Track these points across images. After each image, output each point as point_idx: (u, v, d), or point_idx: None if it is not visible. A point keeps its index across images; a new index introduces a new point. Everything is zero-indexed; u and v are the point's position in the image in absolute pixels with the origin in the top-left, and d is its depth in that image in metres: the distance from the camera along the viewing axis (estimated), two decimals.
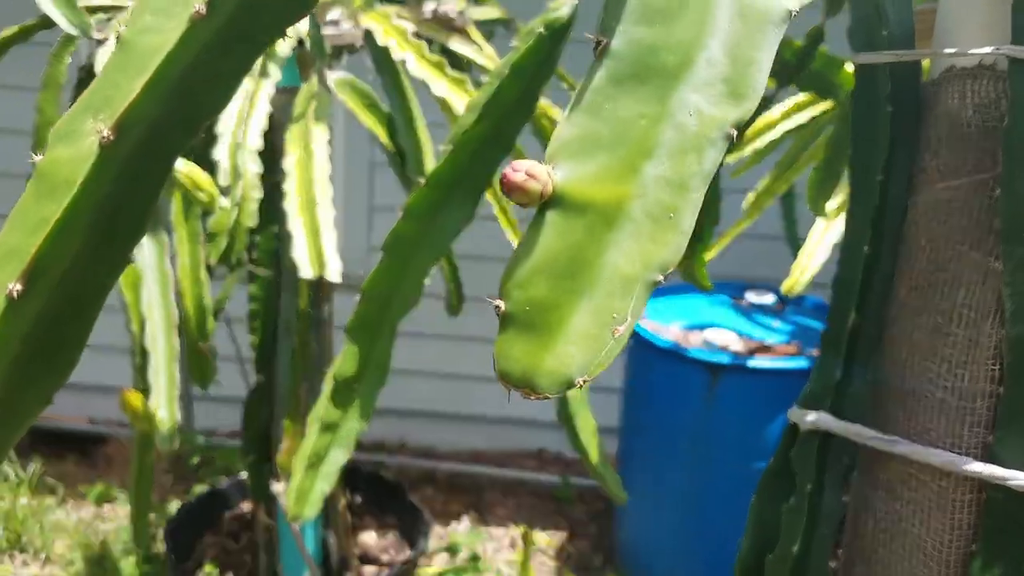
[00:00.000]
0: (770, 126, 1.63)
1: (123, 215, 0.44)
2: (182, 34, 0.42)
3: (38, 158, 0.43)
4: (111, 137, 0.41)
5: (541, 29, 0.88)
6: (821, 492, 0.68)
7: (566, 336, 0.30)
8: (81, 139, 0.42)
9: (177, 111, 0.44)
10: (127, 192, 0.43)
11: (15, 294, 0.40)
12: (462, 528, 2.40)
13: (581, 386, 0.30)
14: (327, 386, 0.96)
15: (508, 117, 0.94)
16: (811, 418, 0.69)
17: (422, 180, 0.97)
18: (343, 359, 0.96)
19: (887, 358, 0.71)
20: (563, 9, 0.86)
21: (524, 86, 0.92)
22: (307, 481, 0.92)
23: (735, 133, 0.31)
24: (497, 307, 0.31)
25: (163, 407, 1.30)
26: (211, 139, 1.35)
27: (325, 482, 0.91)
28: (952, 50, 0.67)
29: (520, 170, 0.30)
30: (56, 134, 0.43)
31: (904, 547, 0.67)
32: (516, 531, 2.40)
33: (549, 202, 0.31)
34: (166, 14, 0.43)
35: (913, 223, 0.72)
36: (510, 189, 0.30)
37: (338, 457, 0.92)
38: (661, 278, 0.31)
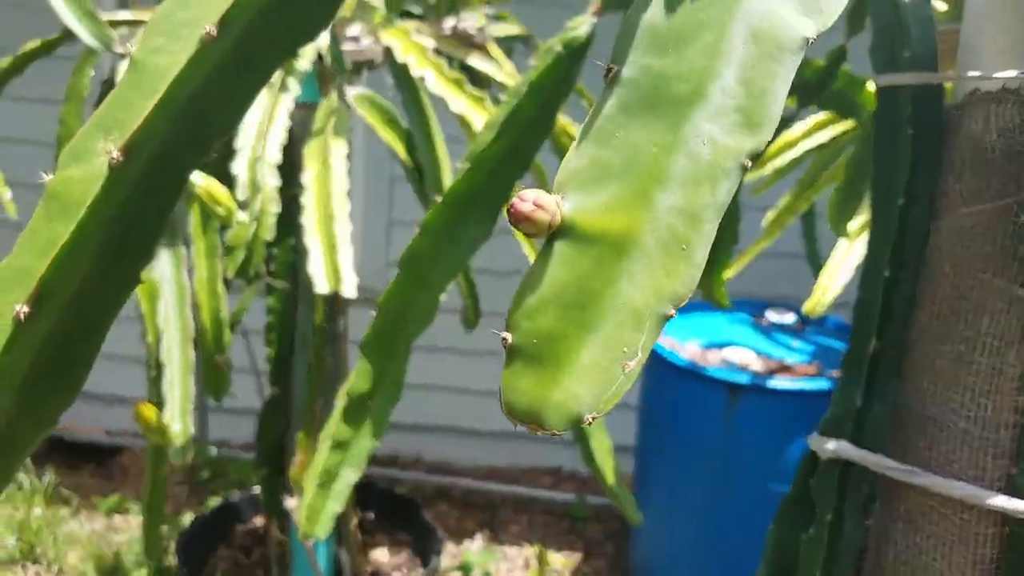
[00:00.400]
0: (791, 145, 1.61)
1: (133, 235, 0.44)
2: (192, 55, 0.41)
3: (48, 178, 0.43)
4: (120, 159, 0.40)
5: (559, 48, 0.87)
6: (841, 522, 0.67)
7: (575, 369, 0.29)
8: (91, 159, 0.42)
9: (188, 131, 0.44)
10: (137, 212, 0.43)
11: (22, 316, 0.40)
12: (475, 547, 2.39)
13: (590, 423, 0.29)
14: (340, 403, 0.95)
15: (526, 135, 0.94)
16: (831, 447, 0.68)
17: (439, 197, 0.97)
18: (356, 376, 0.96)
19: (909, 383, 0.70)
20: (582, 28, 0.86)
21: (542, 104, 0.91)
22: (318, 500, 0.91)
23: (750, 163, 0.30)
24: (504, 339, 0.30)
25: (177, 420, 1.30)
26: (230, 153, 1.35)
27: (336, 502, 0.91)
28: (976, 73, 0.66)
29: (528, 200, 0.29)
30: (67, 154, 0.43)
31: None
32: (530, 550, 2.38)
33: (558, 232, 0.30)
34: (177, 35, 0.43)
35: (936, 248, 0.70)
36: (518, 219, 0.29)
37: (349, 476, 0.91)
38: (673, 312, 0.30)
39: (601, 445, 1.18)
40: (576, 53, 0.87)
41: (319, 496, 0.90)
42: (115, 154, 0.40)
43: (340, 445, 0.92)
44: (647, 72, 0.30)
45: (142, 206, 0.43)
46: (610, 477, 1.18)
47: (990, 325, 0.65)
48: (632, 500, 1.27)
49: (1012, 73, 0.64)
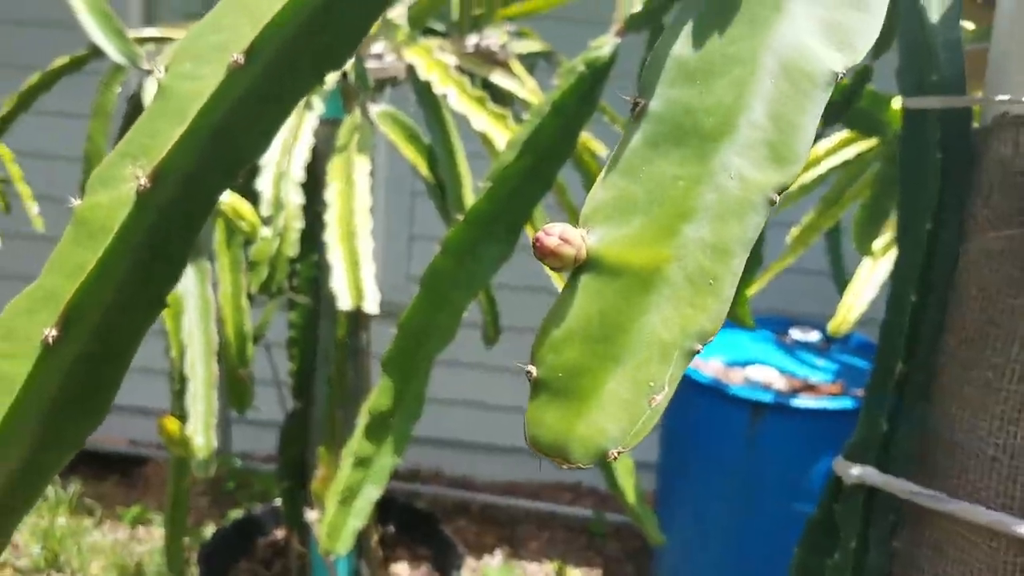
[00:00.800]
0: (816, 161, 1.60)
1: (160, 260, 0.44)
2: (220, 84, 0.42)
3: (76, 202, 0.43)
4: (148, 185, 0.41)
5: (582, 67, 0.87)
6: (866, 549, 0.66)
7: (600, 403, 0.29)
8: (119, 185, 0.42)
9: (215, 158, 0.44)
10: (164, 238, 0.43)
11: (51, 340, 0.40)
12: (495, 562, 2.38)
13: (615, 458, 0.29)
14: (362, 420, 0.96)
15: (548, 154, 0.94)
16: (856, 472, 0.67)
17: (460, 216, 0.97)
18: (378, 393, 0.96)
19: (937, 408, 0.69)
20: (605, 48, 0.86)
21: (565, 124, 0.91)
22: (340, 516, 0.91)
23: (777, 198, 0.30)
24: (529, 372, 0.30)
25: (200, 433, 1.31)
26: (254, 170, 1.37)
27: (357, 518, 0.91)
28: (1004, 97, 0.65)
29: (553, 234, 0.29)
30: (95, 179, 0.43)
31: None
32: (550, 566, 2.37)
33: (583, 266, 0.30)
34: (205, 60, 0.43)
35: (964, 271, 0.70)
36: (544, 254, 0.29)
37: (371, 493, 0.91)
38: (700, 348, 0.29)
39: (622, 464, 1.18)
40: (599, 73, 0.87)
41: (340, 512, 0.91)
42: (143, 180, 0.41)
43: (362, 462, 0.92)
44: (674, 105, 0.30)
45: (169, 231, 0.43)
46: (632, 497, 1.17)
47: (1019, 352, 0.64)
48: (654, 520, 1.26)
49: None
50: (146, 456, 2.68)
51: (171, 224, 0.43)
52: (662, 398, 0.29)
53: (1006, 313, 0.65)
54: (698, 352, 0.30)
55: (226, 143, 0.44)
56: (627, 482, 1.17)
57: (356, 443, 0.94)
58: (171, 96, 0.43)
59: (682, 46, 0.31)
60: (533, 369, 0.30)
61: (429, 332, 0.99)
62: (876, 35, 0.31)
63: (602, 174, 0.31)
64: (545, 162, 0.94)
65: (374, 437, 0.94)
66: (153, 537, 2.33)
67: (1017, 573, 0.61)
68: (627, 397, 0.29)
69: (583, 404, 0.29)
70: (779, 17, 0.31)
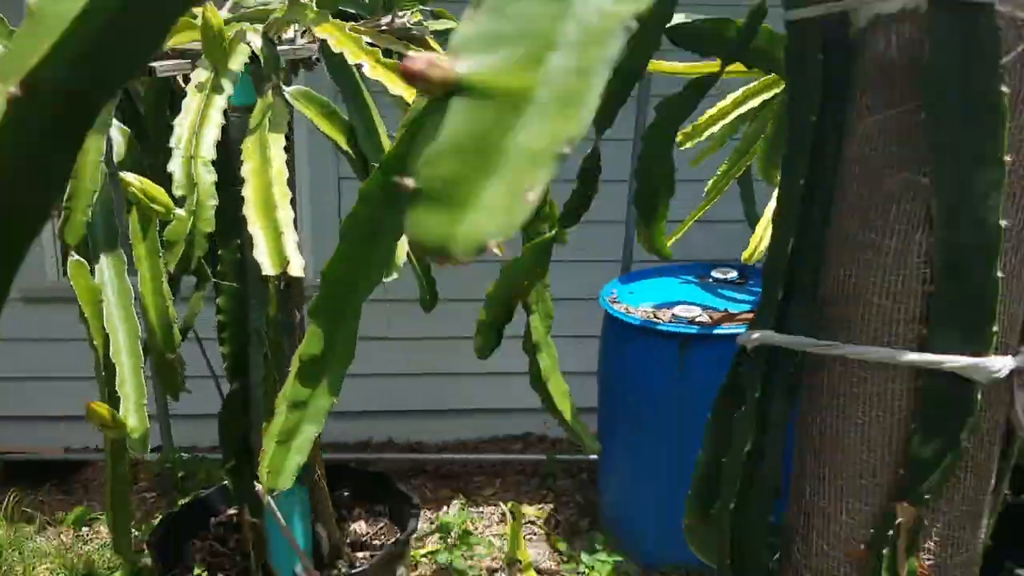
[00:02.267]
0: (724, 114, 1.67)
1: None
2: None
3: None
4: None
5: None
6: (769, 399, 0.71)
7: (478, 207, 0.32)
8: None
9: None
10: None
11: None
12: (453, 512, 2.45)
13: (495, 249, 0.32)
14: (293, 367, 0.97)
15: None
16: (756, 336, 0.72)
17: (376, 165, 0.99)
18: (308, 340, 0.97)
19: (827, 273, 0.75)
20: None
21: None
22: (279, 455, 0.93)
23: (635, 25, 0.32)
24: (406, 185, 0.32)
25: (132, 414, 1.29)
26: (166, 154, 1.35)
27: (298, 454, 0.92)
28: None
29: (420, 59, 0.31)
30: None
31: (850, 438, 0.70)
32: (505, 507, 2.44)
33: (454, 90, 0.32)
34: None
35: (846, 156, 0.75)
36: (411, 76, 0.31)
37: (310, 431, 0.93)
38: (568, 150, 0.32)
39: (558, 388, 1.22)
40: None
41: (280, 452, 0.92)
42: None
43: (297, 405, 0.94)
44: None
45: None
46: (568, 415, 1.22)
47: (897, 215, 0.69)
48: (589, 431, 1.30)
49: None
50: (82, 461, 2.65)
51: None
52: (535, 195, 0.32)
53: (886, 180, 0.71)
54: (567, 154, 0.33)
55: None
56: (564, 404, 1.21)
57: (290, 388, 0.96)
58: (42, 18, 0.44)
59: None
60: (411, 182, 0.32)
61: (357, 280, 1.00)
62: None
63: (466, 14, 0.33)
64: None
65: (308, 382, 0.95)
66: (100, 535, 2.31)
67: (904, 397, 0.67)
68: (503, 202, 0.32)
69: (462, 208, 0.32)
70: None
